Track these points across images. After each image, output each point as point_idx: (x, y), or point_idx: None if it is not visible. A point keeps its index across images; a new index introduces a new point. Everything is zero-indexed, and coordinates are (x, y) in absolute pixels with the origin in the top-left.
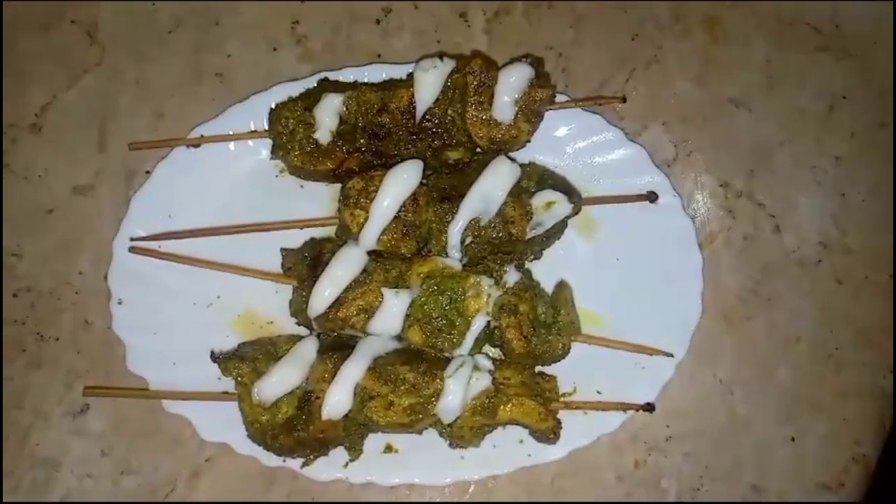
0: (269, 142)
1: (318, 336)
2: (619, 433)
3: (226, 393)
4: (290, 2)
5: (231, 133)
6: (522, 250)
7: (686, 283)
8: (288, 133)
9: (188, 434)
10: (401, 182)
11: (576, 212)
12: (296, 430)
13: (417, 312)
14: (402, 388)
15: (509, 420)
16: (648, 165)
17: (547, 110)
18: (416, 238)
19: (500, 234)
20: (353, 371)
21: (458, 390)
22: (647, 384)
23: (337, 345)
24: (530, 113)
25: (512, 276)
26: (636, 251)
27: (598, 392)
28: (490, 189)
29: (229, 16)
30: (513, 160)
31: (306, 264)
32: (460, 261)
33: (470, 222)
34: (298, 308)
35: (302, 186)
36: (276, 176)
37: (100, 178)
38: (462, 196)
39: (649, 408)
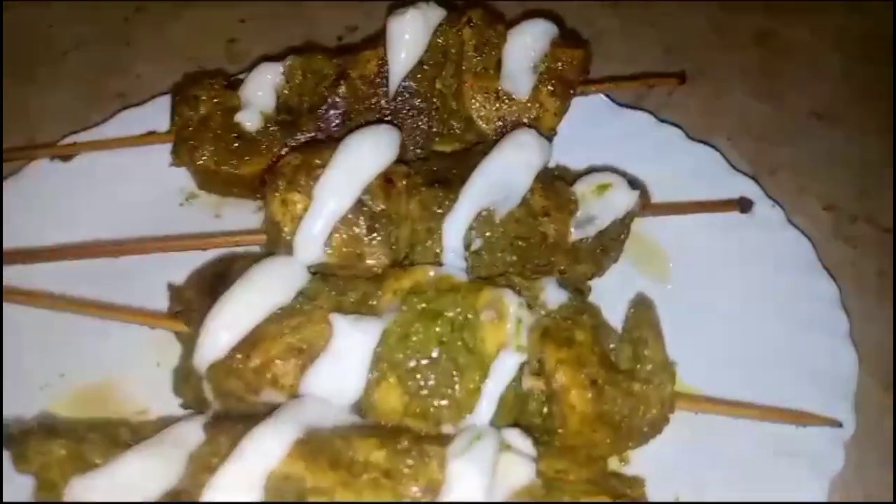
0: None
1: (215, 418)
2: None
3: None
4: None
5: (117, 138)
6: (565, 267)
7: (822, 322)
8: (198, 120)
9: None
10: (365, 152)
11: (642, 206)
12: None
13: (394, 353)
14: (365, 478)
15: None
16: (725, 171)
17: (578, 93)
18: (388, 242)
19: (528, 234)
20: (267, 445)
21: (475, 480)
22: (800, 484)
23: (244, 419)
24: (557, 82)
25: (553, 295)
26: (728, 287)
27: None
28: (510, 166)
29: (147, 36)
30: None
31: (202, 290)
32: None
33: (479, 215)
34: (186, 373)
35: (218, 216)
36: (181, 204)
37: None
38: (464, 179)
39: None
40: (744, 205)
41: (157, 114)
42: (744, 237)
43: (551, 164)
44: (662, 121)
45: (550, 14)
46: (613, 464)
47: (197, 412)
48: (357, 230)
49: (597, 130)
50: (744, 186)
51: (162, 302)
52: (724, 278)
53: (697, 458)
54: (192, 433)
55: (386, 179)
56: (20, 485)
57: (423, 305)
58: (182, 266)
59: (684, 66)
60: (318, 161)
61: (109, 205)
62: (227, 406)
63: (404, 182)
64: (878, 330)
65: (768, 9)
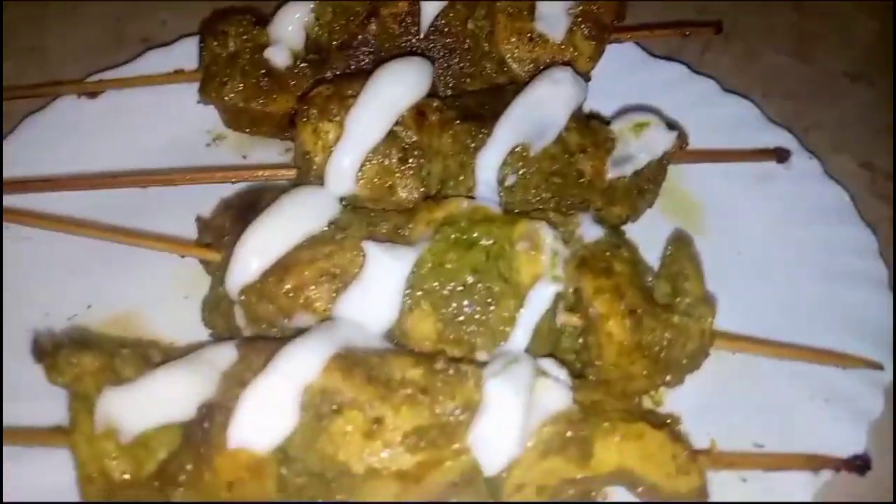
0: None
1: (248, 340)
2: None
3: (58, 430)
4: None
5: (144, 76)
6: (599, 208)
7: (861, 272)
8: (227, 56)
9: None
10: (397, 83)
11: (680, 145)
12: (174, 481)
13: (427, 280)
14: (402, 393)
15: (616, 469)
16: (761, 123)
17: (612, 40)
18: (420, 175)
19: (564, 171)
20: (303, 360)
21: (512, 402)
22: (838, 427)
23: (277, 340)
24: (592, 24)
25: (589, 230)
26: (764, 238)
27: (758, 445)
28: (545, 102)
29: None
30: None
31: (231, 216)
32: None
33: (513, 151)
34: (216, 301)
35: (245, 157)
36: (208, 144)
37: None
38: (497, 115)
39: (859, 465)
40: (781, 154)
41: (184, 54)
42: (780, 188)
43: (584, 110)
44: (698, 72)
45: None
46: (646, 405)
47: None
48: (389, 161)
49: (630, 80)
50: (780, 138)
51: (190, 235)
52: (760, 229)
53: (733, 401)
54: (225, 353)
55: (418, 112)
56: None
57: (457, 235)
58: (209, 201)
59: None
60: (350, 91)
61: (135, 143)
62: (259, 332)
63: (437, 116)
64: None
65: None
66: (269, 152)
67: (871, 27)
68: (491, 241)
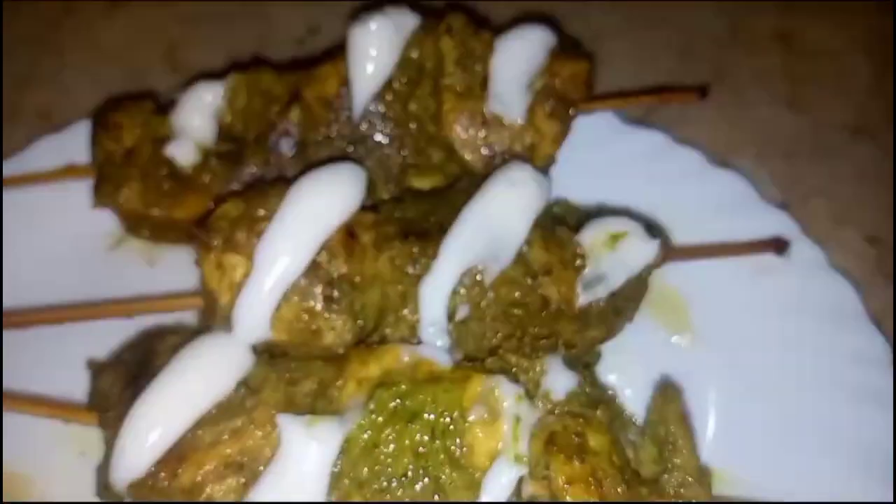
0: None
1: None
2: None
3: None
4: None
5: (30, 174)
6: (571, 336)
7: (872, 390)
8: (122, 154)
9: None
10: (321, 198)
11: (664, 256)
12: None
13: (358, 467)
14: None
15: None
16: (755, 203)
17: (580, 112)
18: (352, 312)
19: (525, 299)
20: None
21: None
22: None
23: None
24: (555, 101)
25: (560, 380)
26: (761, 340)
27: None
28: (502, 212)
29: (78, 46)
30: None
31: (122, 376)
32: (448, 353)
33: (465, 276)
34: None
35: (151, 264)
36: (108, 251)
37: None
38: (444, 228)
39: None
40: (779, 246)
41: (78, 142)
42: (778, 284)
43: (550, 198)
44: (679, 141)
45: (546, 17)
46: None
47: None
48: (312, 302)
49: (602, 154)
50: (777, 221)
51: (82, 379)
52: (755, 330)
53: None
54: None
55: (348, 233)
56: None
57: (396, 403)
58: (106, 332)
59: (699, 70)
60: (262, 211)
61: (23, 251)
62: None
63: (370, 235)
64: None
65: (788, 9)
66: (179, 258)
67: (866, 69)
68: (438, 411)
